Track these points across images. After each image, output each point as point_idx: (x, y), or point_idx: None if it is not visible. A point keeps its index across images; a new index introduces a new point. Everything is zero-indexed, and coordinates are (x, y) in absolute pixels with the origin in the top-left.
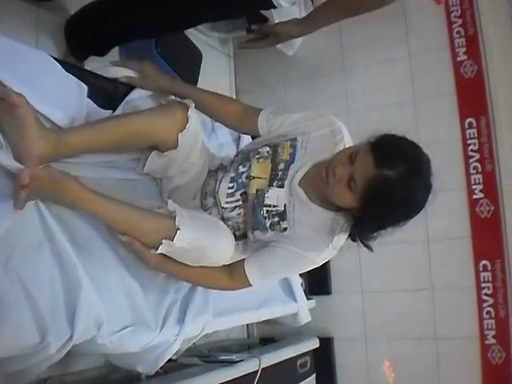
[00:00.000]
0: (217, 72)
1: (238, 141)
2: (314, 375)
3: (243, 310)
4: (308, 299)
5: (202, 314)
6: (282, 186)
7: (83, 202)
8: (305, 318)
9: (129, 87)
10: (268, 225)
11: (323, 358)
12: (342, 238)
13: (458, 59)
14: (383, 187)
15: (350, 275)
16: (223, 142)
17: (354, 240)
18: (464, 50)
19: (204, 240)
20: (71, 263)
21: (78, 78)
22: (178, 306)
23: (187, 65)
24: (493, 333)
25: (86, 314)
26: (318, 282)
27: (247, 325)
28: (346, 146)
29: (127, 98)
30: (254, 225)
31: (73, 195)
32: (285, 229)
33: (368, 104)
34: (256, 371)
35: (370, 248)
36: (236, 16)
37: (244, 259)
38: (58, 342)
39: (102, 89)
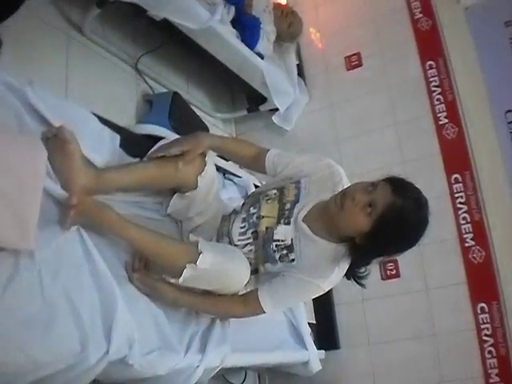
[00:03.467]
0: None
1: (246, 197)
2: None
3: (258, 350)
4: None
5: (221, 346)
6: (288, 223)
7: (119, 227)
8: (316, 366)
9: (154, 140)
10: (277, 257)
11: None
12: (343, 267)
13: (440, 123)
14: (399, 213)
15: (356, 328)
16: (232, 197)
17: (348, 278)
18: (445, 114)
19: (224, 263)
20: (108, 282)
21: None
22: (199, 337)
23: None
24: (496, 371)
25: (121, 331)
26: (326, 337)
27: (259, 379)
28: (345, 186)
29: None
30: (264, 258)
31: (110, 221)
32: (293, 260)
33: (361, 169)
34: None
35: (362, 285)
36: None
37: (257, 288)
38: (97, 353)
39: (131, 140)
